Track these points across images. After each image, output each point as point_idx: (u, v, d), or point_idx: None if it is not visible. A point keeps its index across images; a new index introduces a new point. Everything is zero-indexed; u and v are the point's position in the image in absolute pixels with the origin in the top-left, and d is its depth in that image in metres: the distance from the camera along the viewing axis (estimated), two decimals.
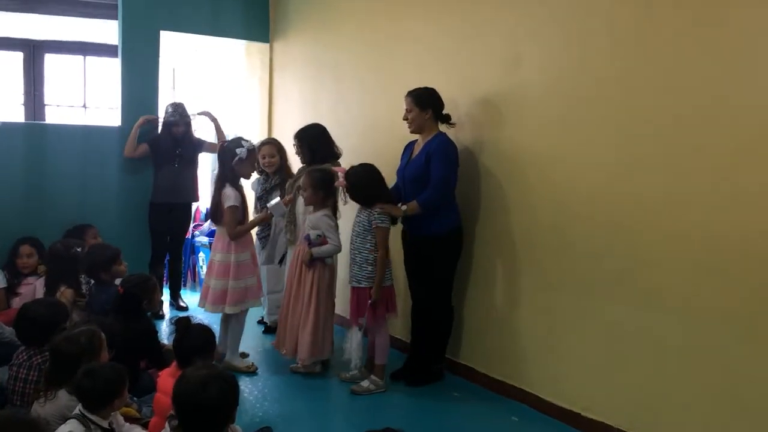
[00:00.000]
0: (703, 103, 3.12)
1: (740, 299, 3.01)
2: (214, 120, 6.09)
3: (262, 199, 5.18)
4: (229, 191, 4.33)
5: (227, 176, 4.38)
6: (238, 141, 4.44)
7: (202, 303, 4.50)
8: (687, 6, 3.18)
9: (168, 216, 5.78)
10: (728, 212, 3.04)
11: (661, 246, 3.32)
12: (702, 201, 3.14)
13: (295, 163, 5.09)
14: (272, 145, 5.21)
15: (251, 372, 4.47)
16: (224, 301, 4.39)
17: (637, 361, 3.44)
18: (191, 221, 6.35)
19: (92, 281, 4.37)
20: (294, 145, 4.81)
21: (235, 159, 4.34)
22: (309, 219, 4.36)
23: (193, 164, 5.90)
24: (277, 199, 4.57)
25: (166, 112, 5.75)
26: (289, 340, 4.38)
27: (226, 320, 4.53)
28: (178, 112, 5.72)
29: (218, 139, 5.96)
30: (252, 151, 4.43)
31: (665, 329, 3.31)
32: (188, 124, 5.79)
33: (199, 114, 6.04)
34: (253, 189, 5.34)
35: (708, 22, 3.09)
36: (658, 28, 3.30)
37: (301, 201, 4.65)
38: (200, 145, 5.92)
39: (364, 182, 4.17)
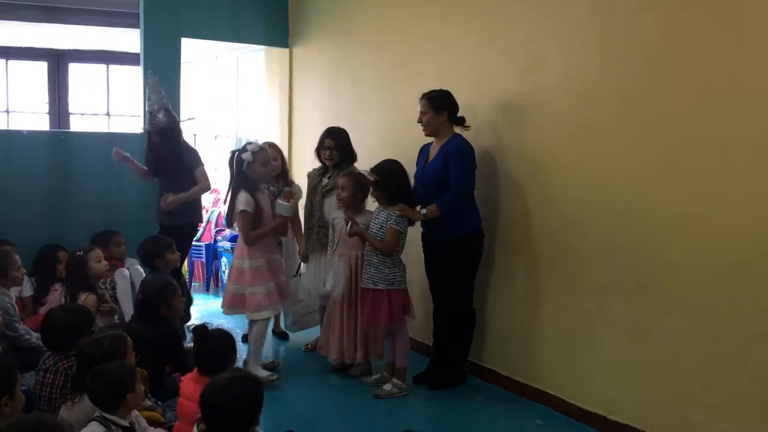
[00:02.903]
0: (728, 104, 3.08)
1: (766, 301, 2.96)
2: (127, 160, 5.26)
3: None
4: (241, 197, 4.30)
5: (239, 182, 4.35)
6: (244, 147, 4.38)
7: (223, 307, 4.53)
8: (711, 7, 3.14)
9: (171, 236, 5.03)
10: (752, 214, 3.00)
11: (684, 248, 3.28)
12: (726, 203, 3.10)
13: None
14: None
15: (272, 381, 4.29)
16: (241, 304, 4.37)
17: (661, 364, 3.40)
18: (188, 244, 5.46)
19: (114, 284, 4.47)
20: (326, 147, 4.73)
21: (243, 165, 4.30)
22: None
23: (177, 182, 5.12)
24: (278, 200, 4.48)
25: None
26: (350, 346, 4.37)
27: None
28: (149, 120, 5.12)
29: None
30: (258, 152, 4.35)
31: (689, 331, 3.27)
32: (158, 133, 5.07)
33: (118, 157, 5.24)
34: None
35: (733, 24, 3.05)
36: (681, 30, 3.26)
37: (330, 204, 4.67)
38: (179, 159, 5.12)
39: (392, 176, 4.17)
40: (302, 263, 5.01)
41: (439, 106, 4.17)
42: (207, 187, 5.27)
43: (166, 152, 5.10)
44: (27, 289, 4.77)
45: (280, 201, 4.45)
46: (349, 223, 4.21)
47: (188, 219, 5.25)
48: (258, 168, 4.35)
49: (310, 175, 4.96)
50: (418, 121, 4.24)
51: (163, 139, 5.09)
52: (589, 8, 3.71)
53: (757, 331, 3.00)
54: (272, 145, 5.08)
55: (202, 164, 5.22)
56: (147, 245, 4.72)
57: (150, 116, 5.11)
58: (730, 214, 3.09)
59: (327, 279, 4.43)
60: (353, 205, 4.38)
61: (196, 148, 5.42)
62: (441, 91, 4.20)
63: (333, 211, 4.64)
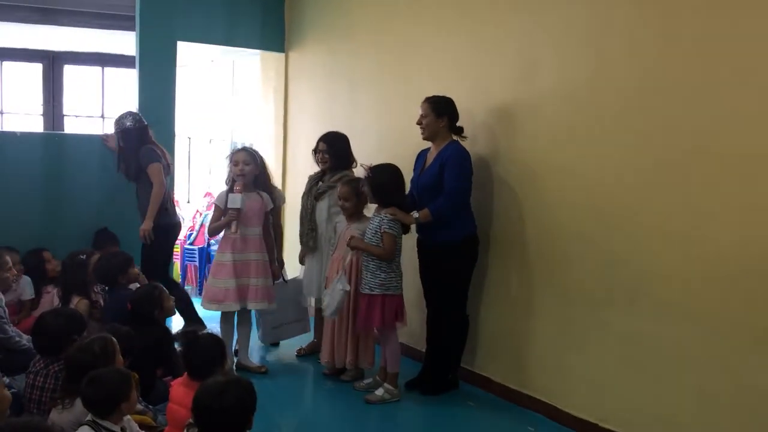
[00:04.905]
0: (722, 112, 3.09)
1: (760, 311, 2.97)
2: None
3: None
4: (219, 192, 4.64)
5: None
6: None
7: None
8: (705, 15, 3.16)
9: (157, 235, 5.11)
10: (746, 223, 3.01)
11: (678, 257, 3.28)
12: (720, 212, 3.11)
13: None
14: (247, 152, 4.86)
15: (262, 372, 4.52)
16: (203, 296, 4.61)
17: (654, 372, 3.41)
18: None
19: (106, 288, 4.41)
20: (319, 150, 4.76)
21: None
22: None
23: (140, 189, 5.16)
24: (230, 194, 4.45)
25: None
26: (340, 351, 4.37)
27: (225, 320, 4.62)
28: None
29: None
30: (231, 153, 4.70)
31: (682, 341, 3.27)
32: (122, 133, 5.15)
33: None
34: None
35: (732, 33, 3.07)
36: (675, 37, 3.28)
37: (321, 207, 4.71)
38: (138, 164, 5.09)
39: (386, 179, 4.18)
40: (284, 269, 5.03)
41: (441, 112, 4.18)
42: (160, 185, 4.98)
43: (129, 157, 5.14)
44: (27, 292, 4.74)
45: (233, 195, 4.45)
46: (350, 237, 4.22)
47: (163, 219, 5.11)
48: (232, 167, 4.59)
49: (310, 178, 4.96)
50: (418, 123, 4.25)
51: (126, 141, 5.14)
52: (585, 15, 3.72)
53: (750, 342, 3.00)
54: (244, 149, 4.85)
55: (154, 161, 5.03)
56: (108, 262, 4.43)
57: (117, 119, 5.18)
58: (724, 225, 3.09)
59: (324, 298, 4.33)
60: (357, 213, 4.39)
61: (155, 146, 5.15)
62: (444, 97, 4.21)
63: (323, 213, 4.70)
